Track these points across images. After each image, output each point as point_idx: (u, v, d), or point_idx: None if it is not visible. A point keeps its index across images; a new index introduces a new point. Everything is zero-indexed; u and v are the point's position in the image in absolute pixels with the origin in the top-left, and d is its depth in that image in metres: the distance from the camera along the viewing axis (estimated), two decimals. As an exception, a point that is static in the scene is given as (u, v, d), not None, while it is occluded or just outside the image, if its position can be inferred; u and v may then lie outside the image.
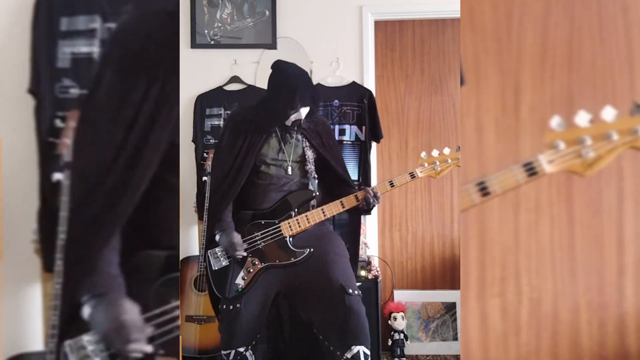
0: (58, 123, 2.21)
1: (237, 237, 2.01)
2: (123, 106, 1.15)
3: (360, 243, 2.84)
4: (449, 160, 2.11)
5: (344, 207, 2.08)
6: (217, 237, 2.04)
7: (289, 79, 2.03)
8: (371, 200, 2.06)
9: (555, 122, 1.09)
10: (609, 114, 1.07)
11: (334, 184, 2.21)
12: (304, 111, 2.06)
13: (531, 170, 1.10)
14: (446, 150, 2.12)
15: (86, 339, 1.11)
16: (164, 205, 1.23)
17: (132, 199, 1.15)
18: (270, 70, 2.10)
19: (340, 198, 2.10)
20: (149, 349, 1.09)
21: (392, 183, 2.09)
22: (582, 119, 1.08)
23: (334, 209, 2.08)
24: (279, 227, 2.05)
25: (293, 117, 2.05)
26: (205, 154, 2.91)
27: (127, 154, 1.15)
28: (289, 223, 2.05)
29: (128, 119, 1.14)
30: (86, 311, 1.13)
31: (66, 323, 1.17)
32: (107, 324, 1.09)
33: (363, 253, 2.87)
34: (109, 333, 1.08)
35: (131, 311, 1.10)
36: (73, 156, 1.24)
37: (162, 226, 1.26)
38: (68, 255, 1.23)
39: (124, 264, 1.20)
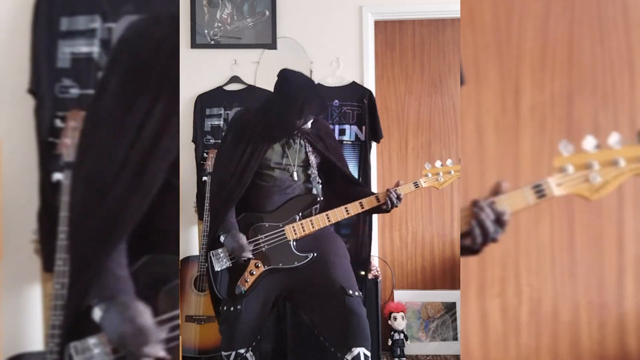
0: (58, 123, 2.21)
1: (243, 239, 2.00)
2: (130, 112, 1.14)
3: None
4: (452, 172, 2.16)
5: (363, 208, 2.09)
6: (222, 239, 2.03)
7: (296, 90, 2.01)
8: (395, 201, 2.08)
9: (562, 145, 1.13)
10: (615, 140, 1.11)
11: (342, 184, 2.22)
12: (310, 121, 2.08)
13: (540, 192, 1.14)
14: (449, 162, 2.17)
15: (92, 341, 1.10)
16: (167, 207, 1.23)
17: (142, 204, 1.15)
18: (276, 78, 2.09)
19: (349, 198, 2.10)
20: (163, 353, 1.08)
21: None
22: (589, 143, 1.12)
23: (352, 209, 2.08)
24: (283, 230, 2.05)
25: (300, 126, 2.05)
26: (205, 154, 2.91)
27: (137, 160, 1.14)
28: (293, 227, 2.05)
29: (136, 125, 1.13)
30: (97, 314, 1.12)
31: (72, 325, 1.16)
32: (124, 327, 1.08)
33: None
34: (126, 337, 1.07)
35: (145, 314, 1.09)
36: (76, 161, 1.23)
37: (164, 230, 1.25)
38: (74, 259, 1.21)
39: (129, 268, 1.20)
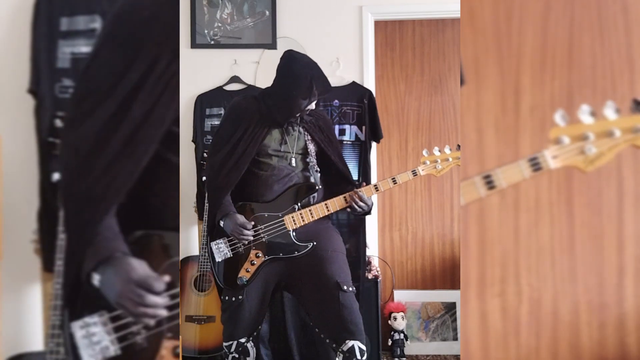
0: (58, 123, 2.21)
1: (242, 218, 1.99)
2: (121, 80, 1.13)
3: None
4: (450, 159, 2.14)
5: (329, 210, 2.07)
6: (222, 224, 2.02)
7: (304, 68, 2.00)
8: (356, 205, 2.04)
9: (559, 115, 1.12)
10: (610, 110, 1.11)
11: (334, 180, 2.20)
12: (314, 101, 2.05)
13: (536, 165, 1.14)
14: (447, 149, 2.15)
15: (93, 320, 1.10)
16: (163, 183, 1.23)
17: (132, 172, 1.14)
18: (280, 60, 2.06)
19: (338, 195, 2.08)
20: (162, 311, 1.06)
21: (395, 180, 2.09)
22: (585, 112, 1.11)
23: (337, 204, 2.06)
24: (283, 220, 2.04)
25: (304, 107, 2.02)
26: (205, 154, 2.90)
27: (128, 128, 1.13)
28: (292, 217, 2.04)
29: (125, 94, 1.13)
30: (96, 279, 1.11)
31: (71, 298, 1.15)
32: (119, 285, 1.06)
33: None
34: (122, 294, 1.06)
35: (139, 268, 1.08)
36: (65, 128, 1.23)
37: (162, 206, 1.25)
38: (68, 227, 1.21)
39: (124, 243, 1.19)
